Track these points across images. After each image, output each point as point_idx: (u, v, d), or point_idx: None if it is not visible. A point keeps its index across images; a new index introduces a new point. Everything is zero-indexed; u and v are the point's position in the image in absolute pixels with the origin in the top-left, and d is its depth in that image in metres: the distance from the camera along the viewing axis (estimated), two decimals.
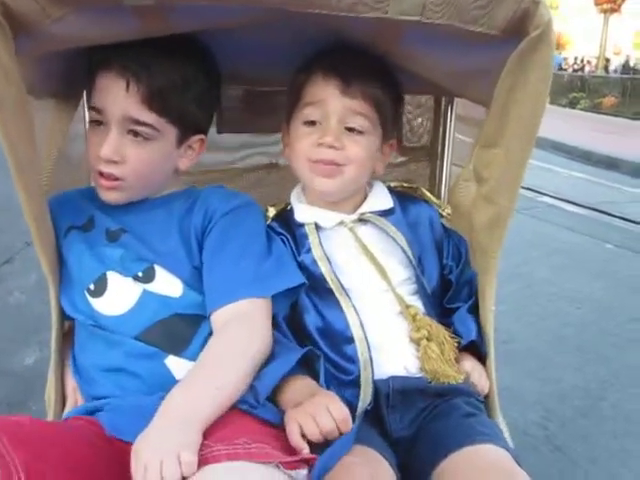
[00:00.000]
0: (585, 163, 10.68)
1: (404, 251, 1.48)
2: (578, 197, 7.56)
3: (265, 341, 1.29)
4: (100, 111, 1.33)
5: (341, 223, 1.50)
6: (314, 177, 1.46)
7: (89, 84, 1.37)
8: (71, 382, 1.40)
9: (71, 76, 1.43)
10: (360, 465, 1.16)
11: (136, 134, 1.33)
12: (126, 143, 1.33)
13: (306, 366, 1.33)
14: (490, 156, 1.36)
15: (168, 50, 1.30)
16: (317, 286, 1.43)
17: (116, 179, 1.35)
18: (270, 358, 1.29)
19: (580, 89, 21.28)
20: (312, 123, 1.45)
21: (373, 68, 1.45)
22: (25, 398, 2.76)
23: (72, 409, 1.36)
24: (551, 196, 7.61)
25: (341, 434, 1.17)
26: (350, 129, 1.44)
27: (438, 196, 1.95)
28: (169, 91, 1.32)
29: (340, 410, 1.18)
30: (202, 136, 1.46)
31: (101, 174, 1.36)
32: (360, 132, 1.45)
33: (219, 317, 1.30)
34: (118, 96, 1.30)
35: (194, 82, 1.37)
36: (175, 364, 1.30)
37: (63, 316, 1.40)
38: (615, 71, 29.05)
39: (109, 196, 1.39)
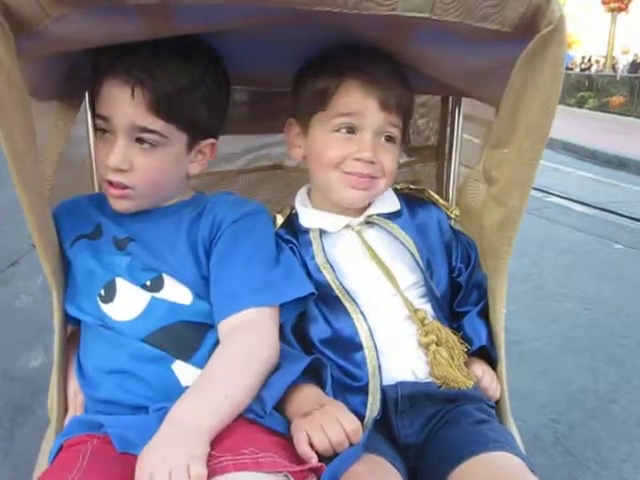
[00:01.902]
0: (593, 163, 10.67)
1: (412, 254, 1.47)
2: (587, 197, 7.55)
3: (272, 350, 1.28)
4: (106, 119, 1.31)
5: (348, 226, 1.49)
6: (345, 188, 1.44)
7: (93, 90, 1.35)
8: (73, 386, 1.38)
9: (73, 78, 1.41)
10: (368, 473, 1.14)
11: (144, 142, 1.31)
12: (134, 151, 1.31)
13: (313, 374, 1.32)
14: (500, 156, 1.34)
15: (173, 52, 1.28)
16: (324, 294, 1.42)
17: (125, 188, 1.33)
18: (277, 367, 1.27)
19: (588, 88, 21.29)
20: (345, 131, 1.42)
21: (402, 76, 1.45)
22: (31, 402, 2.77)
23: (74, 417, 1.34)
24: (560, 196, 7.60)
25: (351, 445, 1.15)
26: (384, 138, 1.44)
27: (446, 197, 1.93)
28: (175, 96, 1.29)
29: (351, 421, 1.16)
30: (213, 140, 1.43)
31: (110, 183, 1.34)
32: (393, 142, 1.45)
33: (226, 326, 1.29)
34: (124, 104, 1.28)
35: (201, 85, 1.33)
36: (182, 370, 1.29)
37: (66, 321, 1.38)
38: (623, 70, 28.99)
39: (119, 205, 1.37)
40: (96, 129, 1.36)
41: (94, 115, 1.36)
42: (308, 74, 1.46)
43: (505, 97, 1.26)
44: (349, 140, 1.42)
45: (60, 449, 1.22)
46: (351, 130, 1.42)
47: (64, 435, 1.26)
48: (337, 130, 1.42)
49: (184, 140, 1.36)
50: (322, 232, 1.48)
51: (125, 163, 1.30)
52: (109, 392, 1.29)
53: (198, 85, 1.32)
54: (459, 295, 1.55)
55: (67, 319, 1.38)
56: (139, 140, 1.30)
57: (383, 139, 1.44)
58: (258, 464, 1.02)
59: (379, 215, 1.50)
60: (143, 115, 1.28)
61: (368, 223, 1.50)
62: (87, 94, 1.55)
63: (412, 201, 1.59)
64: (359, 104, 1.40)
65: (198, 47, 1.33)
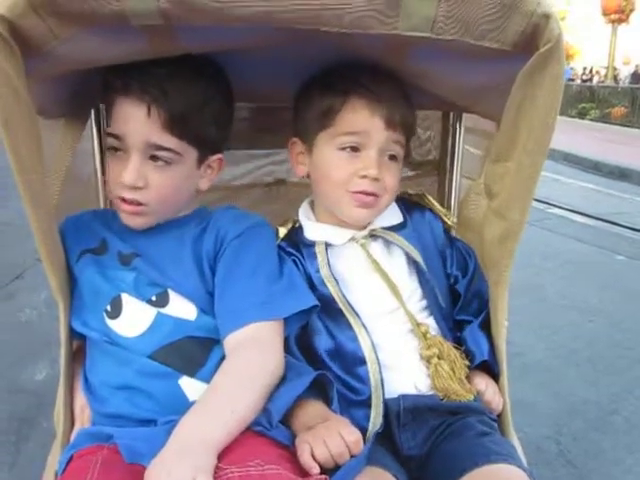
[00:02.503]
0: (595, 174, 10.66)
1: (416, 266, 1.48)
2: (588, 208, 7.55)
3: (277, 363, 1.28)
4: (120, 138, 1.32)
5: (352, 239, 1.49)
6: (351, 207, 1.45)
7: (106, 109, 1.36)
8: (79, 400, 1.38)
9: (80, 97, 1.42)
10: None
11: (158, 159, 1.32)
12: (148, 169, 1.32)
13: (318, 390, 1.31)
14: (501, 170, 1.35)
15: (186, 70, 1.30)
16: (327, 307, 1.42)
17: (139, 204, 1.34)
18: (283, 381, 1.27)
19: (589, 99, 21.27)
20: (350, 149, 1.42)
21: (405, 93, 1.45)
22: (36, 414, 2.78)
23: (82, 429, 1.35)
24: (561, 207, 7.59)
25: (352, 457, 1.15)
26: (387, 156, 1.45)
27: (448, 209, 1.93)
28: (189, 114, 1.31)
29: (351, 433, 1.17)
30: (220, 155, 1.45)
31: (123, 200, 1.35)
32: (396, 159, 1.46)
33: (231, 341, 1.30)
34: (139, 122, 1.29)
35: (212, 102, 1.35)
36: (189, 385, 1.29)
37: (72, 335, 1.39)
38: (624, 81, 28.99)
39: (133, 221, 1.38)
40: (108, 147, 1.37)
41: (104, 133, 1.37)
42: (312, 92, 1.47)
43: (505, 112, 1.27)
44: (355, 158, 1.42)
45: (70, 460, 1.23)
46: (356, 149, 1.42)
47: (73, 447, 1.27)
48: (342, 149, 1.42)
49: (195, 156, 1.37)
50: (327, 245, 1.48)
51: (140, 181, 1.31)
52: (117, 407, 1.30)
53: (209, 102, 1.34)
54: (458, 303, 1.55)
55: (73, 334, 1.39)
56: (153, 158, 1.32)
57: (386, 157, 1.44)
58: (264, 476, 1.02)
59: (383, 227, 1.51)
60: (158, 133, 1.29)
61: (372, 236, 1.51)
62: (93, 112, 1.58)
63: (411, 209, 1.59)
64: (365, 123, 1.40)
65: (208, 65, 1.35)
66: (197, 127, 1.33)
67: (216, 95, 1.37)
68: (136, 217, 1.37)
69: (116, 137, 1.32)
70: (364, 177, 1.41)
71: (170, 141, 1.31)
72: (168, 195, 1.36)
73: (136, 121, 1.29)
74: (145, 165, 1.32)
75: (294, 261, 1.46)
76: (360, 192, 1.43)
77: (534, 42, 1.10)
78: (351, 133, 1.41)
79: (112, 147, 1.35)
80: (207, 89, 1.35)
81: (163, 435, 1.13)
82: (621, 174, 10.39)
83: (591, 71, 34.21)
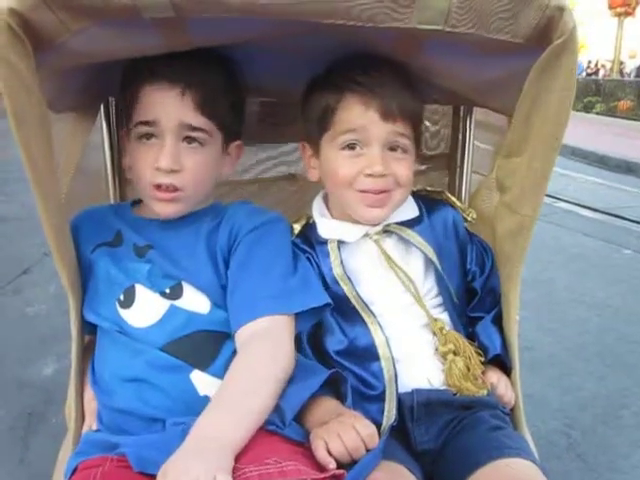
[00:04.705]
0: (602, 168, 10.62)
1: (431, 262, 1.47)
2: (595, 202, 7.53)
3: (289, 358, 1.28)
4: (153, 123, 1.34)
5: (366, 235, 1.48)
6: (363, 207, 1.43)
7: (129, 101, 1.37)
8: (88, 393, 1.39)
9: (91, 91, 1.43)
10: None
11: (191, 141, 1.36)
12: (182, 151, 1.35)
13: (331, 387, 1.31)
14: (513, 165, 1.35)
15: (205, 60, 1.34)
16: (341, 305, 1.41)
17: (175, 189, 1.36)
18: (295, 379, 1.27)
19: (595, 93, 21.18)
20: (352, 147, 1.40)
21: (404, 81, 1.42)
22: (45, 409, 2.79)
23: (89, 436, 1.34)
24: (568, 202, 7.56)
25: (368, 451, 1.15)
26: (394, 149, 1.42)
27: None
28: (216, 96, 1.37)
29: (366, 427, 1.17)
30: (239, 142, 1.50)
31: (158, 187, 1.36)
32: (404, 151, 1.43)
33: (243, 334, 1.29)
34: (173, 105, 1.33)
35: (231, 89, 1.42)
36: (200, 380, 1.29)
37: (83, 329, 1.39)
38: (630, 74, 28.89)
39: (168, 209, 1.39)
40: (138, 137, 1.37)
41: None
42: (311, 93, 1.47)
43: (518, 107, 1.27)
44: (358, 156, 1.40)
45: (75, 470, 1.22)
46: (357, 146, 1.40)
47: (78, 456, 1.26)
48: (344, 148, 1.41)
49: (221, 139, 1.42)
50: (340, 243, 1.47)
51: (177, 163, 1.34)
52: (125, 401, 1.29)
53: (229, 88, 1.42)
54: (474, 300, 1.54)
55: (84, 327, 1.39)
56: (186, 139, 1.35)
57: (392, 151, 1.41)
58: (283, 473, 1.02)
59: (397, 223, 1.48)
60: (191, 113, 1.34)
61: (386, 232, 1.49)
62: (102, 106, 1.57)
63: (429, 204, 1.56)
64: (360, 118, 1.38)
65: (220, 57, 1.39)
66: (222, 110, 1.39)
67: (233, 83, 1.44)
68: (171, 204, 1.38)
69: (148, 123, 1.35)
70: (369, 175, 1.39)
71: (202, 121, 1.35)
72: (202, 178, 1.39)
73: (170, 104, 1.33)
74: (180, 148, 1.35)
75: (308, 258, 1.46)
76: (367, 191, 1.41)
77: (548, 35, 1.10)
78: (349, 131, 1.39)
79: (143, 135, 1.36)
80: (226, 77, 1.41)
81: (172, 439, 1.12)
82: (628, 168, 10.34)
83: (596, 64, 34.10)
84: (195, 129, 1.35)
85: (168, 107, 1.33)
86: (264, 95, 1.77)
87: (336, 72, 1.41)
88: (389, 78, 1.40)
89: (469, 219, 1.59)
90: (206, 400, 1.21)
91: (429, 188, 1.66)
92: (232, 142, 1.48)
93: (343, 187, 1.43)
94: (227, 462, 1.04)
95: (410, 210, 1.52)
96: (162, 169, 1.33)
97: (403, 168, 1.43)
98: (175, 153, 1.33)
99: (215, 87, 1.37)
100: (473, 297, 1.54)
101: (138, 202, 1.51)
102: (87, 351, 1.42)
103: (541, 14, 1.07)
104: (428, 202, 1.57)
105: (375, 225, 1.48)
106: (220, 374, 1.26)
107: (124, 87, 1.39)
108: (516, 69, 1.21)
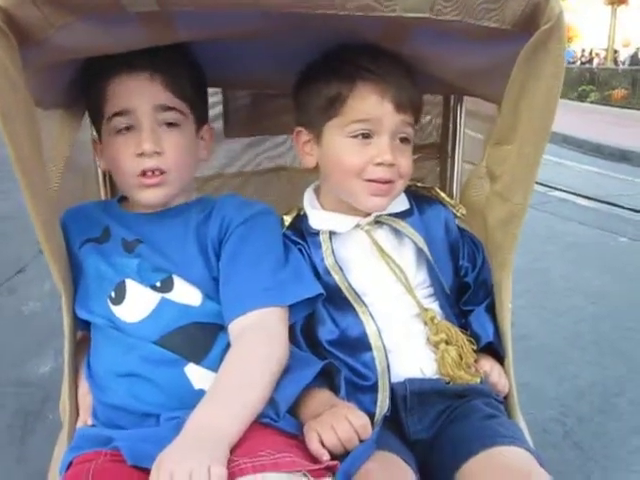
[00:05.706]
0: (596, 156, 10.63)
1: (422, 253, 1.47)
2: (590, 191, 7.53)
3: (283, 349, 1.28)
4: (128, 112, 1.35)
5: (357, 226, 1.47)
6: (367, 196, 1.42)
7: (98, 97, 1.37)
8: (82, 388, 1.39)
9: (76, 87, 1.42)
10: (379, 470, 1.15)
11: (168, 124, 1.37)
12: (161, 134, 1.36)
13: (325, 378, 1.31)
14: (503, 153, 1.35)
15: (166, 46, 1.32)
16: (332, 295, 1.41)
17: (161, 172, 1.37)
18: (289, 370, 1.27)
19: (589, 82, 21.21)
20: (366, 136, 1.39)
21: (408, 73, 1.42)
22: (41, 407, 2.78)
23: (83, 431, 1.34)
24: (563, 190, 7.57)
25: (361, 441, 1.15)
26: (401, 139, 1.42)
27: (450, 194, 1.93)
28: (183, 78, 1.39)
29: (359, 417, 1.17)
30: (209, 126, 1.52)
31: (144, 174, 1.36)
32: (407, 142, 1.44)
33: (236, 326, 1.29)
34: (144, 89, 1.35)
35: (195, 73, 1.45)
36: (194, 373, 1.29)
37: (76, 326, 1.39)
38: (624, 63, 28.90)
39: (155, 194, 1.39)
40: (116, 131, 1.37)
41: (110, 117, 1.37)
42: (315, 80, 1.43)
43: (506, 94, 1.27)
44: (367, 145, 1.39)
45: (70, 465, 1.22)
46: (368, 135, 1.39)
47: (73, 451, 1.26)
48: (354, 136, 1.39)
49: (193, 120, 1.44)
50: (332, 233, 1.47)
51: (158, 145, 1.35)
52: (119, 398, 1.29)
53: (192, 71, 1.44)
54: (467, 294, 1.54)
55: (77, 324, 1.39)
56: (163, 123, 1.37)
57: (398, 140, 1.41)
58: (277, 465, 1.02)
59: (389, 214, 1.48)
60: (164, 94, 1.36)
61: (377, 223, 1.48)
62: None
63: (420, 199, 1.56)
64: (375, 109, 1.37)
65: (178, 45, 1.38)
66: (190, 92, 1.41)
67: (196, 66, 1.46)
68: (157, 189, 1.39)
69: (123, 113, 1.35)
70: (379, 164, 1.39)
71: (175, 101, 1.37)
72: (184, 160, 1.40)
73: (141, 89, 1.35)
74: (158, 131, 1.36)
75: (299, 250, 1.45)
76: (376, 180, 1.40)
77: (535, 21, 1.10)
78: (362, 120, 1.38)
79: (120, 128, 1.36)
80: (188, 60, 1.43)
81: (166, 433, 1.13)
82: (622, 156, 10.35)
83: (590, 53, 34.13)
84: (169, 109, 1.36)
85: (140, 92, 1.35)
86: (249, 87, 1.78)
87: (344, 59, 1.40)
88: (400, 69, 1.40)
89: (459, 215, 1.59)
90: (201, 394, 1.21)
91: (419, 184, 1.65)
92: (202, 125, 1.49)
93: (348, 175, 1.42)
94: (222, 454, 1.04)
95: (400, 203, 1.52)
96: (146, 152, 1.34)
97: (406, 159, 1.43)
98: (154, 136, 1.34)
99: (180, 70, 1.39)
100: (466, 291, 1.54)
101: (125, 198, 1.50)
102: (82, 346, 1.42)
103: (527, 0, 1.07)
104: (418, 197, 1.57)
105: (366, 216, 1.48)
106: (214, 367, 1.26)
107: (89, 85, 1.39)
108: (505, 55, 1.21)
